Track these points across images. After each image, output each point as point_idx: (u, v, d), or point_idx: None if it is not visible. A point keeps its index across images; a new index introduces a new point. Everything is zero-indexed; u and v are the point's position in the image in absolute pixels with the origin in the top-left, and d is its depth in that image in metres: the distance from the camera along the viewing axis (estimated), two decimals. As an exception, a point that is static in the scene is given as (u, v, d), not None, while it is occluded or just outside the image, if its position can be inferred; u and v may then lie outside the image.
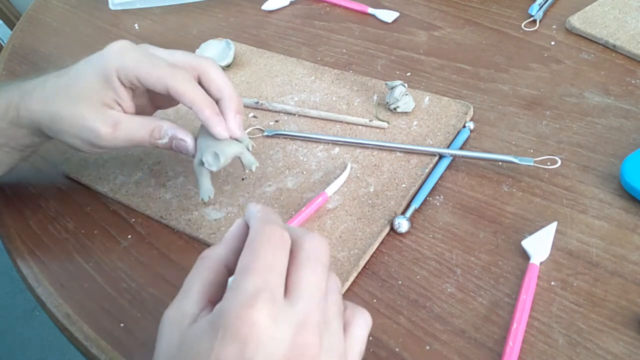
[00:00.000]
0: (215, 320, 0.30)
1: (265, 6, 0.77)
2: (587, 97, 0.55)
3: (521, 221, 0.46)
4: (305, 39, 0.70)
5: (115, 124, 0.45)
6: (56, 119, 0.45)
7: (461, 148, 0.52)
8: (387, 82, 0.55)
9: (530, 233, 0.44)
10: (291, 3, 0.77)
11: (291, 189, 0.51)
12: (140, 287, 0.45)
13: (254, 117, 0.60)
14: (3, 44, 1.26)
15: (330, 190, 0.50)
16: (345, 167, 0.51)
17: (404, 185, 0.50)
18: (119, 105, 0.46)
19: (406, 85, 0.55)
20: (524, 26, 0.65)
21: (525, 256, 0.43)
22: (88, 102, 0.45)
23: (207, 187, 0.48)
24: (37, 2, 0.90)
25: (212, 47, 0.67)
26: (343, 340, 0.33)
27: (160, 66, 0.45)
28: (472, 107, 0.56)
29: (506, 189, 0.48)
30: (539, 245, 0.43)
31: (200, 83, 0.46)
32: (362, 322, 0.35)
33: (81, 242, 0.49)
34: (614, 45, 0.59)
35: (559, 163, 0.48)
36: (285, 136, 0.56)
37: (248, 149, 0.47)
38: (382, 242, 0.46)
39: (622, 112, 0.53)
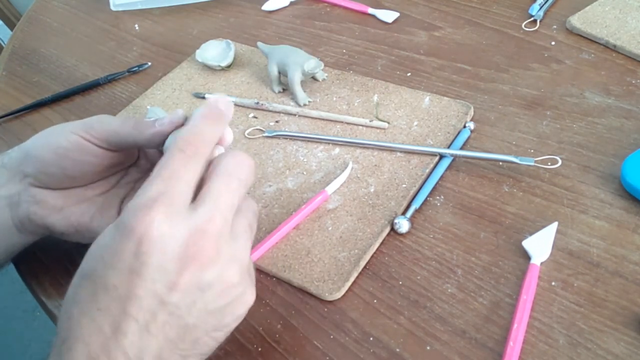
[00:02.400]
0: (118, 220, 0.33)
1: (266, 6, 0.77)
2: (587, 97, 0.55)
3: (522, 221, 0.46)
4: (306, 40, 0.70)
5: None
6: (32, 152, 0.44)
7: (462, 148, 0.52)
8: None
9: (531, 233, 0.44)
10: (291, 3, 0.77)
11: (291, 190, 0.51)
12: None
13: (254, 117, 0.60)
14: (3, 45, 1.26)
15: (330, 188, 0.50)
16: (346, 166, 0.51)
17: (404, 186, 0.50)
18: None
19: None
20: (524, 26, 0.65)
21: (526, 256, 0.43)
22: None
23: (303, 95, 0.59)
24: (37, 2, 0.90)
25: (212, 48, 0.67)
26: (248, 255, 0.36)
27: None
28: (472, 107, 0.56)
29: (507, 189, 0.48)
30: (540, 245, 0.43)
31: None
32: (249, 212, 0.37)
33: (81, 243, 0.49)
34: (615, 45, 0.59)
35: (560, 163, 0.48)
36: (285, 136, 0.56)
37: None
38: (382, 243, 0.46)
39: (623, 112, 0.53)
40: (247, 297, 0.36)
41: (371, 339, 0.41)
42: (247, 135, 0.57)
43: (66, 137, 0.42)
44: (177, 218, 0.32)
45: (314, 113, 0.58)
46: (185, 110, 0.61)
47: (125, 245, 0.32)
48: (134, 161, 0.47)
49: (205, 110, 0.38)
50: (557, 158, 0.48)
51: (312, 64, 0.58)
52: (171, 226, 0.32)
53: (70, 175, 0.43)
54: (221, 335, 0.36)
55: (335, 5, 0.75)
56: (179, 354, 0.33)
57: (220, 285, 0.34)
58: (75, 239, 0.45)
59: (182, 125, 0.40)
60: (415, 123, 0.55)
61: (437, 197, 0.49)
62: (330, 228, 0.47)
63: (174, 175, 0.34)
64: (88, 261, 0.33)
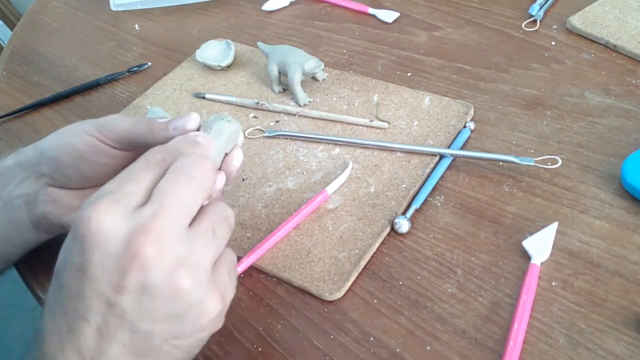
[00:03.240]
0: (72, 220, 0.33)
1: (266, 6, 0.77)
2: (587, 97, 0.55)
3: (522, 221, 0.46)
4: (306, 40, 0.70)
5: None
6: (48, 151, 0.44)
7: (462, 148, 0.52)
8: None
9: (531, 233, 0.44)
10: (291, 3, 0.77)
11: (292, 189, 0.51)
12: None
13: (255, 117, 0.60)
14: (3, 45, 1.26)
15: (330, 188, 0.50)
16: (347, 166, 0.51)
17: (404, 186, 0.50)
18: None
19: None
20: (525, 26, 0.65)
21: (526, 256, 0.43)
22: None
23: (303, 95, 0.59)
24: (37, 2, 0.90)
25: (212, 48, 0.67)
26: (210, 260, 0.34)
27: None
28: (472, 107, 0.56)
29: (507, 189, 0.48)
30: (540, 245, 0.43)
31: None
32: (213, 215, 0.35)
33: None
34: (615, 45, 0.59)
35: (560, 163, 0.48)
36: (285, 136, 0.56)
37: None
38: (382, 243, 0.46)
39: (623, 112, 0.53)
40: (208, 307, 0.33)
41: (371, 339, 0.41)
42: (247, 135, 0.57)
43: (81, 139, 0.42)
44: (120, 215, 0.31)
45: (314, 113, 0.58)
46: (185, 111, 0.62)
47: (74, 242, 0.32)
48: None
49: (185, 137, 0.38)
50: (557, 158, 0.48)
51: (312, 64, 0.58)
52: (112, 222, 0.31)
53: (87, 176, 0.43)
54: (186, 345, 0.34)
55: (335, 5, 0.75)
56: None
57: (167, 288, 0.31)
58: None
59: (198, 129, 0.40)
60: (416, 123, 0.55)
61: (437, 197, 0.49)
62: (330, 228, 0.47)
63: (128, 177, 0.33)
64: (58, 259, 0.33)
